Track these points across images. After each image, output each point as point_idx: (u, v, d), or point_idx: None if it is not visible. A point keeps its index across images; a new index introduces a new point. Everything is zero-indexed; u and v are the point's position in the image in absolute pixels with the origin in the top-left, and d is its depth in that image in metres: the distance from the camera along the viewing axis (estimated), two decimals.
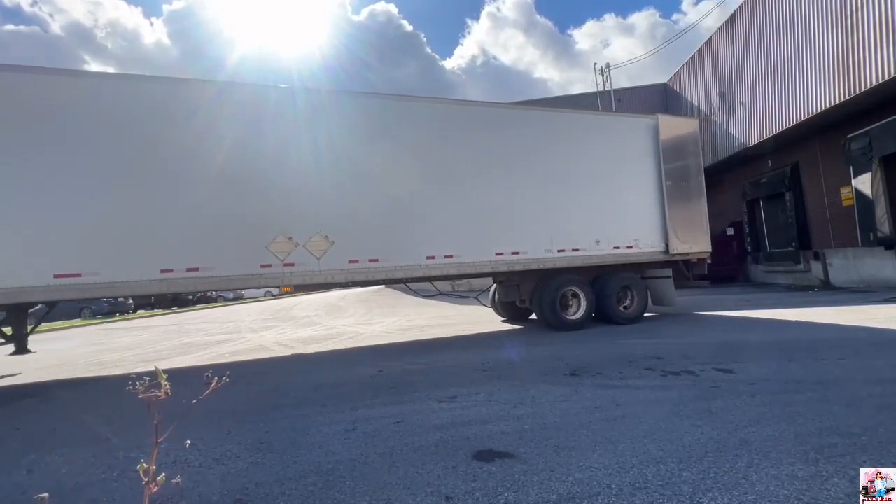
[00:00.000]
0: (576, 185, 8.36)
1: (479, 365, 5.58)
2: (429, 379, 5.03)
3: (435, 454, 2.92)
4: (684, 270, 9.52)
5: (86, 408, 4.78)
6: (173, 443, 3.34)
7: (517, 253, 7.76)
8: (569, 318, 8.19)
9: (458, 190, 7.54)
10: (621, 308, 8.57)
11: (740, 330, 7.30)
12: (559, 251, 8.06)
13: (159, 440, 1.55)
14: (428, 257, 7.20)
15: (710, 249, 9.53)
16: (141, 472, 1.41)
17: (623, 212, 8.67)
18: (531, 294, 8.41)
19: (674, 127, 9.36)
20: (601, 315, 8.51)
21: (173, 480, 1.68)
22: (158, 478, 1.45)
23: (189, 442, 3.38)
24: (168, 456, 3.13)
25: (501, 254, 7.65)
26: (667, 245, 8.90)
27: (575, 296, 8.35)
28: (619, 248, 8.53)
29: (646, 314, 9.08)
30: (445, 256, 7.29)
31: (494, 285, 9.93)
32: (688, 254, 9.18)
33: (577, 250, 8.21)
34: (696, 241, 9.27)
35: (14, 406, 5.13)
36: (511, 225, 7.79)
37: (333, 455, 3.01)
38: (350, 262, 6.78)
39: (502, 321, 10.07)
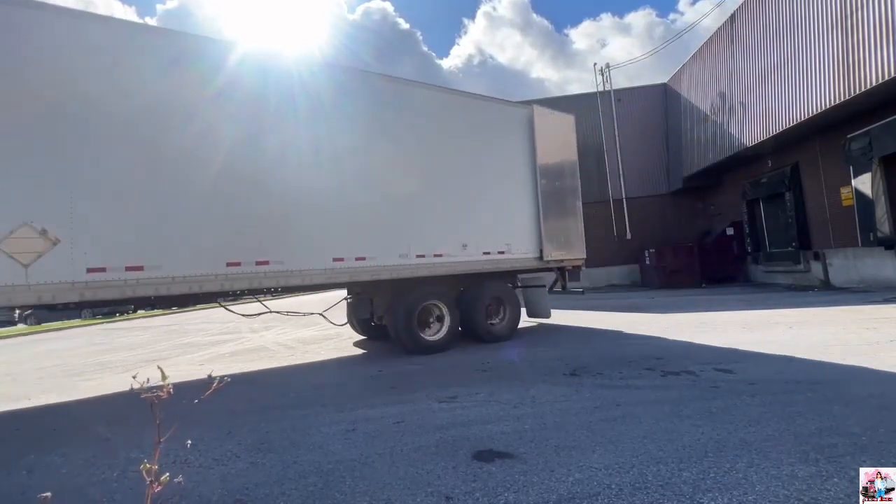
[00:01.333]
0: (438, 178, 6.90)
1: (479, 365, 5.58)
2: (429, 379, 5.03)
3: (435, 454, 2.92)
4: (561, 279, 8.77)
5: (86, 407, 4.78)
6: (173, 442, 3.35)
7: (363, 259, 6.06)
8: (427, 338, 6.78)
9: (278, 177, 5.54)
10: (491, 323, 7.52)
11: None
12: (418, 257, 6.55)
13: (160, 440, 1.55)
14: (229, 264, 5.12)
15: (584, 256, 8.79)
16: (143, 472, 1.41)
17: (494, 211, 7.47)
18: (386, 309, 6.88)
19: (550, 121, 8.42)
20: (469, 332, 7.36)
21: (175, 480, 1.68)
22: (162, 477, 1.45)
23: (190, 442, 3.39)
24: (168, 456, 3.13)
25: (341, 259, 5.90)
26: (541, 251, 7.93)
27: (437, 311, 6.99)
28: (489, 253, 7.31)
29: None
30: (257, 263, 5.29)
31: (347, 298, 8.16)
32: (562, 261, 8.37)
33: (440, 256, 6.76)
34: (570, 247, 8.49)
35: (14, 406, 5.13)
36: (354, 224, 6.05)
37: (333, 455, 3.01)
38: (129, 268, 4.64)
39: (356, 343, 8.35)
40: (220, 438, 3.48)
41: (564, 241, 8.36)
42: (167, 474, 1.46)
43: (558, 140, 8.53)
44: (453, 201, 7.04)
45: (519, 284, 8.51)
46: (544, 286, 8.72)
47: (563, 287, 8.81)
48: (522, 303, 8.47)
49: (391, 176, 6.49)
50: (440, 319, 7.03)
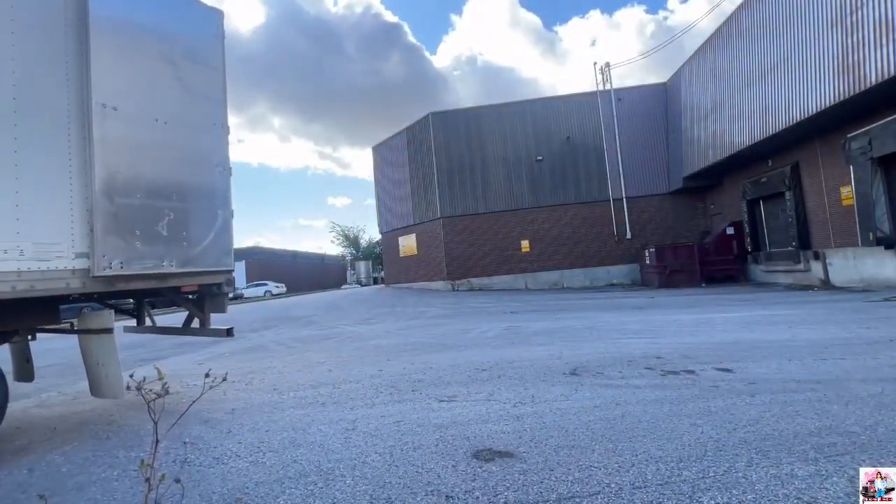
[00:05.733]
0: None
1: (478, 364, 5.58)
2: (428, 378, 5.04)
3: (435, 453, 2.92)
4: (196, 312, 5.13)
5: (86, 406, 4.78)
6: (174, 441, 3.35)
7: None
8: None
9: None
10: None
11: None
12: None
13: (158, 440, 1.55)
14: None
15: (229, 267, 4.83)
16: (142, 472, 1.42)
17: None
18: None
19: (141, 3, 4.24)
20: None
21: (174, 479, 1.68)
22: (159, 475, 1.45)
23: (187, 440, 3.40)
24: (168, 455, 3.14)
25: None
26: (90, 254, 3.69)
27: None
28: None
29: None
30: None
31: None
32: (165, 276, 4.27)
33: None
34: (190, 251, 4.38)
35: (14, 405, 5.13)
36: None
37: (333, 454, 3.02)
38: None
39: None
40: (220, 437, 3.49)
41: (171, 237, 4.21)
42: (163, 473, 1.47)
43: (166, 40, 4.38)
44: None
45: (58, 325, 4.22)
46: (110, 331, 3.97)
47: (203, 324, 5.15)
48: (84, 363, 4.08)
49: None
50: None
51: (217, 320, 5.34)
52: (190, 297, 5.01)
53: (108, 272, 3.76)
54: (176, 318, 5.83)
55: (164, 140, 4.31)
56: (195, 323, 5.22)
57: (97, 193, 3.73)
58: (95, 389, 4.09)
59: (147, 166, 4.16)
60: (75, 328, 4.20)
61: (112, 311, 4.20)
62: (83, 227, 3.70)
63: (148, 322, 5.64)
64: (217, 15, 4.91)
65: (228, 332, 4.99)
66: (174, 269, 4.27)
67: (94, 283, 3.76)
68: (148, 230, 4.07)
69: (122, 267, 3.86)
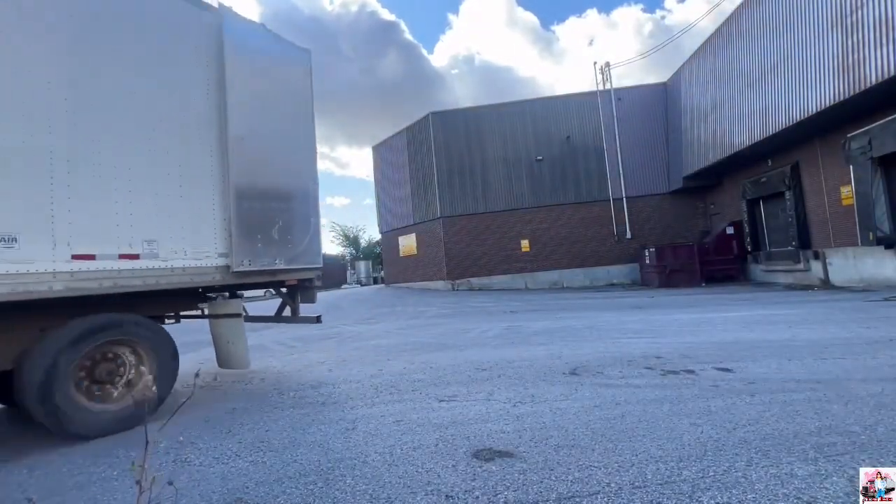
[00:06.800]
0: None
1: (478, 364, 5.59)
2: (428, 378, 5.04)
3: (435, 453, 2.92)
4: (290, 302, 5.85)
5: None
6: (174, 441, 3.35)
7: None
8: None
9: None
10: (87, 399, 3.75)
11: None
12: None
13: (148, 441, 1.55)
14: None
15: (319, 265, 5.71)
16: (132, 473, 1.41)
17: (114, 174, 3.88)
18: None
19: (263, 49, 5.23)
20: (38, 418, 3.57)
21: (167, 482, 1.67)
22: (151, 478, 1.45)
23: (181, 438, 3.40)
24: (168, 454, 3.14)
25: None
26: (228, 256, 4.65)
27: None
28: (91, 257, 3.69)
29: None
30: None
31: None
32: (277, 272, 5.20)
33: None
34: (293, 251, 5.30)
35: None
36: None
37: (334, 454, 3.02)
38: None
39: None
40: (219, 437, 3.49)
41: (281, 240, 5.16)
42: (154, 476, 1.46)
43: (277, 82, 5.41)
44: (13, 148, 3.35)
45: (204, 312, 5.34)
46: (240, 315, 5.37)
47: (294, 312, 5.86)
48: (213, 343, 5.45)
49: None
50: None
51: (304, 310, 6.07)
52: (284, 289, 5.78)
53: (241, 268, 4.74)
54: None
55: (274, 161, 5.31)
56: (287, 312, 5.97)
57: (232, 207, 4.72)
58: (225, 363, 5.35)
59: (263, 183, 5.14)
60: (206, 314, 5.33)
61: (241, 300, 5.52)
62: (224, 233, 4.68)
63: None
64: (307, 54, 5.86)
65: (318, 319, 5.68)
66: (282, 266, 5.19)
67: (231, 276, 4.74)
68: (265, 235, 5.05)
69: (249, 264, 4.82)
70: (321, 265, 5.80)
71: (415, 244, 23.19)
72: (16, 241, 3.30)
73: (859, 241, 11.64)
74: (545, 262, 20.10)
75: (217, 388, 5.22)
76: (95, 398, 3.84)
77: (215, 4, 4.84)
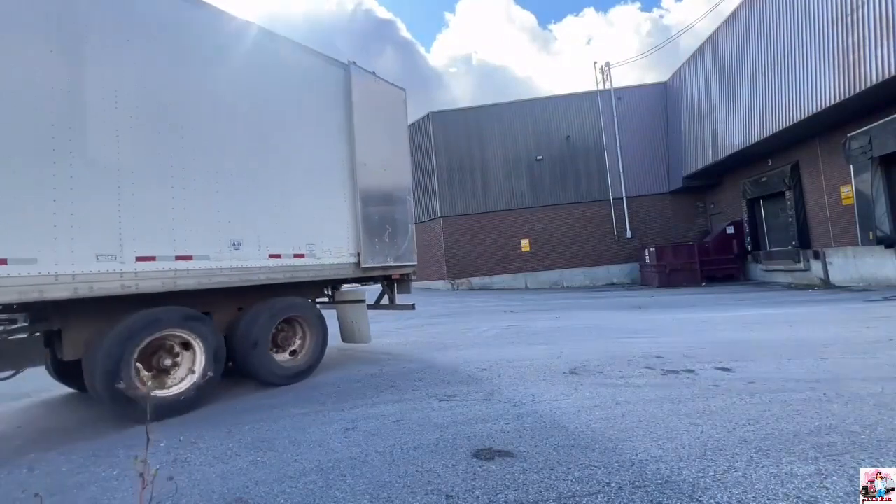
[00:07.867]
0: (194, 137, 4.40)
1: (478, 363, 5.59)
2: (428, 377, 5.04)
3: (435, 453, 2.92)
4: (388, 293, 7.15)
5: (87, 405, 4.78)
6: (174, 440, 3.36)
7: (30, 261, 3.31)
8: (164, 393, 4.10)
9: None
10: (281, 357, 5.32)
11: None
12: (141, 260, 3.92)
13: (149, 438, 1.56)
14: None
15: (415, 263, 7.15)
16: (135, 467, 1.43)
17: (289, 198, 5.25)
18: (87, 346, 4.00)
19: (374, 89, 6.58)
20: (244, 370, 5.03)
21: (167, 478, 1.68)
22: (153, 471, 1.46)
23: (181, 437, 3.40)
24: (169, 454, 3.14)
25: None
26: (358, 255, 6.03)
27: (179, 347, 4.35)
28: (279, 256, 5.06)
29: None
30: None
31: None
32: (388, 268, 6.59)
33: (186, 259, 4.23)
34: (398, 251, 6.70)
35: (15, 404, 5.14)
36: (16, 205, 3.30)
37: (334, 453, 3.02)
38: None
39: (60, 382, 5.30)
40: (220, 437, 3.49)
41: (390, 243, 6.56)
42: (157, 468, 1.47)
43: (384, 116, 6.77)
44: (219, 176, 4.55)
45: (333, 299, 6.60)
46: (363, 301, 6.52)
47: (392, 301, 7.15)
48: (339, 323, 6.54)
49: (104, 127, 3.78)
50: (187, 360, 4.37)
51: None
52: (394, 280, 7.04)
53: (367, 265, 6.12)
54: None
55: (385, 179, 6.68)
56: (384, 300, 7.29)
57: (360, 219, 6.08)
58: (349, 338, 6.51)
59: (378, 198, 6.47)
60: (334, 301, 6.57)
61: (364, 289, 6.73)
62: (355, 236, 6.06)
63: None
64: (402, 92, 7.20)
65: (413, 307, 7.12)
66: (392, 263, 6.62)
67: (360, 271, 6.10)
68: (380, 238, 6.44)
69: (371, 261, 6.20)
70: (416, 263, 7.20)
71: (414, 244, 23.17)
72: (240, 245, 4.76)
73: (859, 240, 11.64)
74: (545, 262, 20.10)
75: (217, 388, 5.23)
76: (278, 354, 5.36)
77: (344, 61, 6.26)
